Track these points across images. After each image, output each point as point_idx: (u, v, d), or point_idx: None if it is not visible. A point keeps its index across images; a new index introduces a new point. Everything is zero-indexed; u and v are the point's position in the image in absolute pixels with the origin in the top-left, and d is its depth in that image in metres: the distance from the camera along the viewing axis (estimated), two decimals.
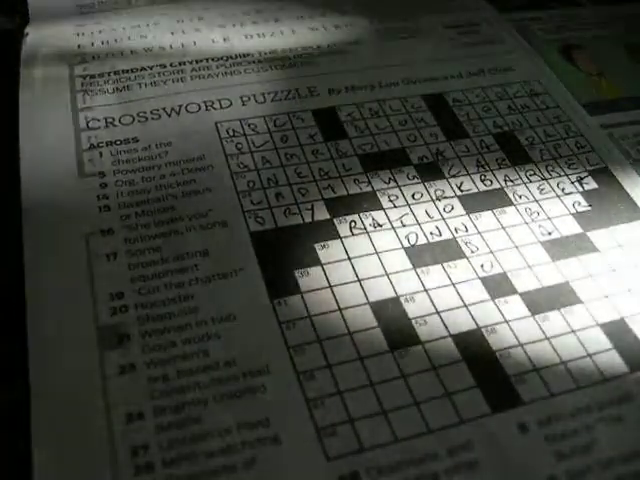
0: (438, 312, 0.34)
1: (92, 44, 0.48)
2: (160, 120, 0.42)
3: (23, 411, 0.29)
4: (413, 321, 0.34)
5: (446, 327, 0.34)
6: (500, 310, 0.35)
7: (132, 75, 0.45)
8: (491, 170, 0.42)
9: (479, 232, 0.38)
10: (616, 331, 0.35)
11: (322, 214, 0.38)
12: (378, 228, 0.38)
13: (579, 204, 0.40)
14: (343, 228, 0.37)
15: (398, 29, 0.51)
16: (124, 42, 0.48)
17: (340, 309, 0.34)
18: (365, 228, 0.38)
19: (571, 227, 0.39)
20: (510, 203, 0.40)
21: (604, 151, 0.44)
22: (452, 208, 0.39)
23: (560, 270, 0.37)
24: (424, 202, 0.39)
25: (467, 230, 0.38)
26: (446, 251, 0.37)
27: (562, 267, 0.37)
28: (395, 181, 0.40)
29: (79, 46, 0.47)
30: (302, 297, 0.34)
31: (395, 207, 0.39)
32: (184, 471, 0.28)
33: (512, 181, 0.41)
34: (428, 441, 0.30)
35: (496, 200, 0.40)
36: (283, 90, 0.45)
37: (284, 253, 0.36)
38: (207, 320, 0.33)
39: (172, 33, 0.49)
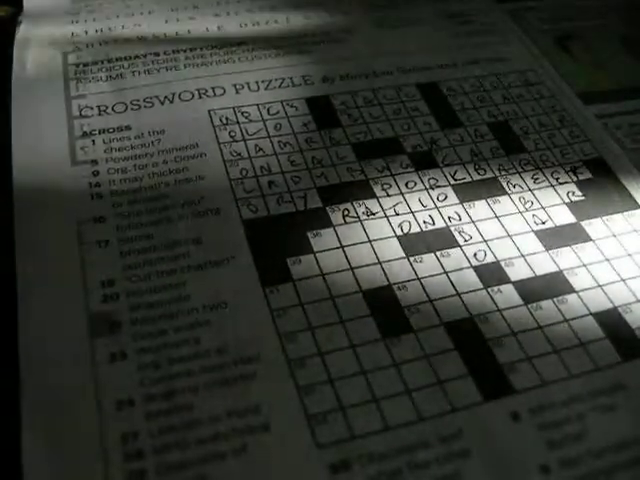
0: (431, 300, 0.34)
1: (86, 32, 0.47)
2: (153, 108, 0.42)
3: (12, 398, 0.29)
4: (406, 309, 0.34)
5: (439, 315, 0.34)
6: (493, 299, 0.35)
7: (126, 63, 0.45)
8: (485, 159, 0.41)
9: (472, 221, 0.38)
10: (609, 320, 0.35)
11: (315, 202, 0.38)
12: (371, 216, 0.38)
13: (573, 194, 0.40)
14: (336, 216, 0.37)
15: (393, 18, 0.51)
16: (118, 30, 0.48)
17: (332, 297, 0.34)
18: (358, 216, 0.37)
19: (565, 217, 0.39)
20: (504, 192, 0.40)
21: (599, 141, 0.44)
22: (446, 197, 0.39)
23: (554, 259, 0.37)
24: (418, 191, 0.39)
25: (460, 219, 0.38)
26: (439, 240, 0.37)
27: (556, 256, 0.37)
28: (389, 170, 0.40)
29: (73, 34, 0.47)
30: (294, 285, 0.34)
31: (388, 196, 0.39)
32: (174, 458, 0.28)
33: (506, 170, 0.41)
34: (420, 429, 0.30)
35: (490, 189, 0.40)
36: (277, 78, 0.45)
37: (276, 241, 0.36)
38: (198, 308, 0.33)
39: (166, 21, 0.49)
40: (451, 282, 0.35)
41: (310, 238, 0.36)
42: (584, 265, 0.37)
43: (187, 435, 0.29)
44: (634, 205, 0.40)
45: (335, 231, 0.37)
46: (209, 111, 0.42)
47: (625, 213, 0.40)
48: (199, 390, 0.30)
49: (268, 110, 0.42)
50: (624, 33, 0.53)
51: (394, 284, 0.35)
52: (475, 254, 0.37)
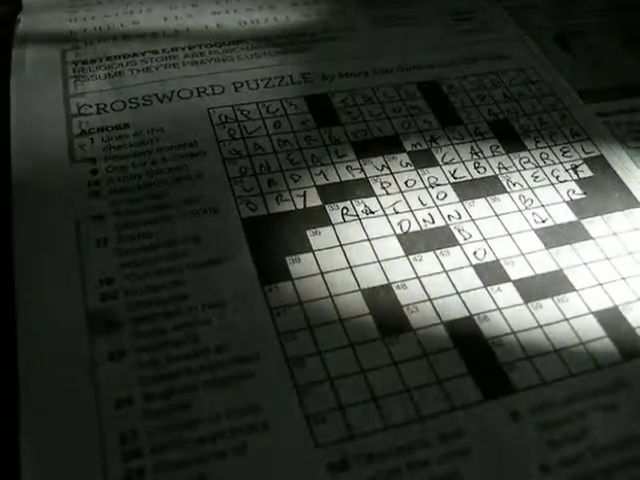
0: (430, 299, 0.34)
1: (84, 30, 0.47)
2: (152, 106, 0.42)
3: (11, 396, 0.29)
4: (405, 308, 0.34)
5: (438, 314, 0.34)
6: (493, 297, 0.35)
7: (124, 61, 0.45)
8: (485, 157, 0.41)
9: (472, 219, 0.38)
10: (610, 319, 0.34)
11: (314, 200, 0.38)
12: (370, 215, 0.37)
13: (573, 192, 0.40)
14: (335, 215, 0.37)
15: (393, 16, 0.51)
16: (116, 28, 0.48)
17: (331, 296, 0.34)
18: (357, 215, 0.37)
19: (565, 215, 0.39)
20: (504, 190, 0.40)
21: (599, 139, 0.43)
22: (445, 195, 0.39)
23: (554, 258, 0.37)
24: (417, 189, 0.39)
25: (460, 217, 0.38)
26: (439, 238, 0.37)
27: (556, 255, 0.37)
28: (388, 168, 0.40)
29: (71, 32, 0.47)
30: (293, 283, 0.34)
31: (388, 194, 0.39)
32: (173, 458, 0.28)
33: (506, 168, 0.41)
34: (419, 428, 0.30)
35: (490, 187, 0.40)
36: (276, 76, 0.45)
37: (275, 239, 0.36)
38: (197, 306, 0.33)
39: (165, 19, 0.49)
40: (451, 281, 0.35)
41: (309, 236, 0.36)
42: (584, 263, 0.37)
43: (186, 434, 0.29)
44: (634, 203, 0.40)
45: (334, 229, 0.37)
46: (208, 109, 0.42)
47: (626, 211, 0.39)
48: (198, 389, 0.30)
49: (267, 108, 0.42)
50: (624, 31, 0.53)
51: (393, 283, 0.35)
52: (475, 253, 0.36)
